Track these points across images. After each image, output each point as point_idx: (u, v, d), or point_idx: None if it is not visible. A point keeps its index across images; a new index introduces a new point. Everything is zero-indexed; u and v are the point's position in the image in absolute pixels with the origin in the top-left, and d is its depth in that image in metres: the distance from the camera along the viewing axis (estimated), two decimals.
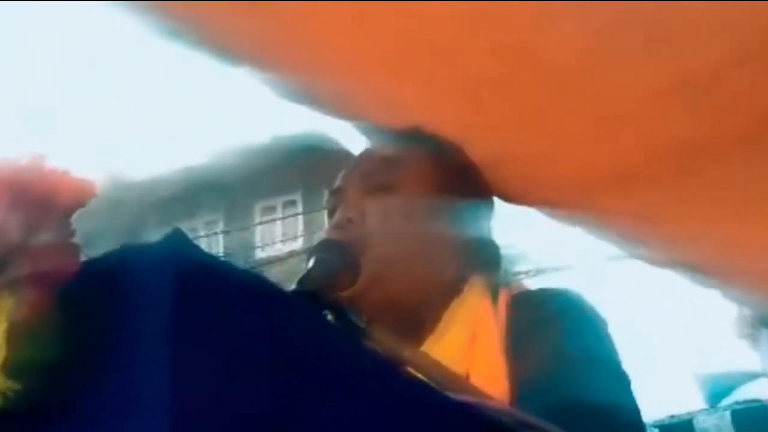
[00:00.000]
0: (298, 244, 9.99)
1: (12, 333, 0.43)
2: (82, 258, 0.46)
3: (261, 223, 11.15)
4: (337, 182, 1.01)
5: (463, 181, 1.01)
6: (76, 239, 0.46)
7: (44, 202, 0.44)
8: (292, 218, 10.96)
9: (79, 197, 0.45)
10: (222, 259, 0.49)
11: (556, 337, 0.84)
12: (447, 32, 1.18)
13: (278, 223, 11.13)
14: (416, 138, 1.04)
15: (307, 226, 10.66)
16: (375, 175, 0.97)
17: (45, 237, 0.44)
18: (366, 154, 1.05)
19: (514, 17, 1.12)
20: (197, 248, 0.45)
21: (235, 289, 0.45)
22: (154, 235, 0.47)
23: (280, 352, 0.45)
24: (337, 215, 0.95)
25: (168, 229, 0.45)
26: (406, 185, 0.96)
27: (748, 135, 1.30)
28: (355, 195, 0.96)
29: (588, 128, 1.40)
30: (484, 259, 0.98)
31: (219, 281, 0.45)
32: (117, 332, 0.45)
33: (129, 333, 0.44)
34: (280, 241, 10.36)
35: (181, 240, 0.45)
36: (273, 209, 11.53)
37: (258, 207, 11.61)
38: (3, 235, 0.43)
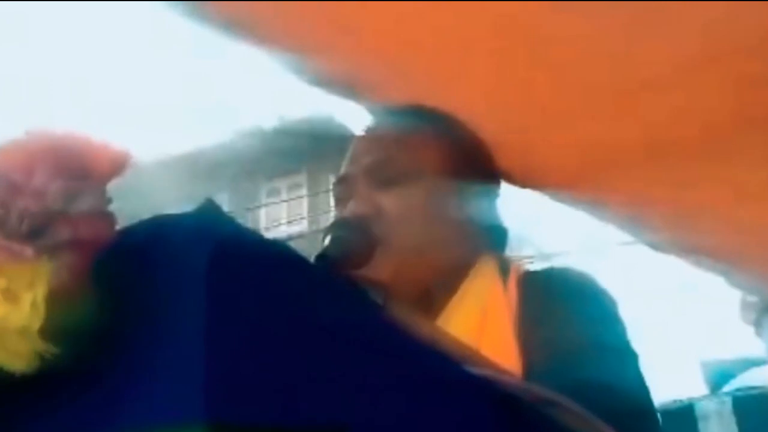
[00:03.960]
0: (303, 226, 10.01)
1: (51, 297, 0.44)
2: (118, 226, 0.47)
3: (266, 205, 11.16)
4: (343, 170, 0.99)
5: (472, 159, 1.00)
6: (112, 208, 0.47)
7: (83, 170, 0.46)
8: (297, 200, 10.97)
9: (117, 166, 0.47)
10: (252, 230, 0.50)
11: (566, 318, 0.84)
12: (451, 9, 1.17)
13: (283, 205, 11.15)
14: (424, 116, 1.02)
15: (312, 208, 10.68)
16: (386, 165, 0.95)
17: (83, 205, 0.45)
18: (370, 137, 1.02)
19: None
20: (230, 219, 0.47)
21: (267, 260, 0.46)
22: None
23: (312, 321, 0.46)
24: (350, 209, 0.93)
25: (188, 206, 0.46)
26: (418, 171, 0.95)
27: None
28: (366, 188, 0.94)
29: (590, 107, 1.41)
30: (494, 239, 0.99)
31: (251, 251, 0.46)
32: (152, 299, 0.46)
33: (164, 300, 0.45)
34: (285, 223, 10.37)
35: (214, 210, 0.46)
36: (278, 191, 11.56)
37: (263, 189, 11.63)
38: (43, 202, 0.45)
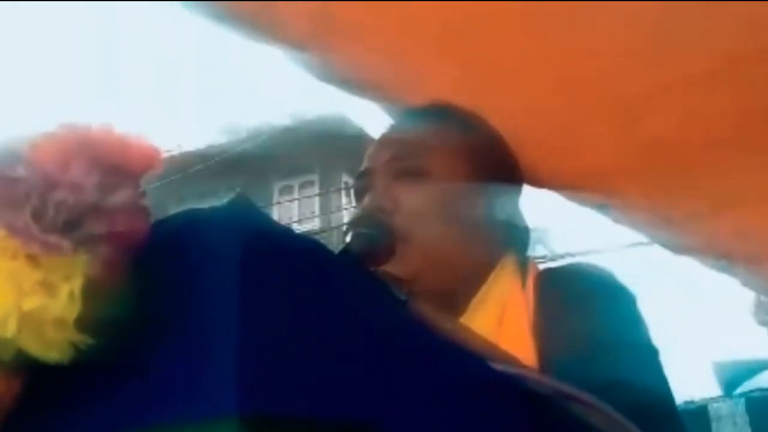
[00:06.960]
0: (314, 224, 10.03)
1: (87, 289, 0.45)
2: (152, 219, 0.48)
3: (278, 203, 11.20)
4: (365, 163, 0.99)
5: (494, 159, 1.00)
6: (147, 201, 0.48)
7: (118, 164, 0.46)
8: (308, 198, 11.01)
9: (150, 161, 0.47)
10: (284, 225, 0.50)
11: (586, 315, 0.84)
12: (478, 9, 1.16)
13: (295, 203, 11.19)
14: (446, 115, 1.02)
15: (324, 206, 10.71)
16: (405, 158, 0.95)
17: (119, 198, 0.46)
18: (392, 134, 1.02)
19: None
20: (262, 213, 0.47)
21: (299, 253, 0.47)
22: (173, 210, 0.49)
23: (343, 315, 0.47)
24: (367, 202, 0.93)
25: (195, 203, 0.46)
26: (439, 169, 0.94)
27: None
28: (385, 181, 0.94)
29: (610, 113, 1.40)
30: (515, 239, 0.99)
31: (284, 245, 0.47)
32: (185, 292, 0.46)
33: (197, 293, 0.46)
34: (296, 221, 10.40)
35: (246, 204, 0.47)
36: (290, 189, 11.61)
37: (276, 187, 11.68)
38: (80, 195, 0.45)
